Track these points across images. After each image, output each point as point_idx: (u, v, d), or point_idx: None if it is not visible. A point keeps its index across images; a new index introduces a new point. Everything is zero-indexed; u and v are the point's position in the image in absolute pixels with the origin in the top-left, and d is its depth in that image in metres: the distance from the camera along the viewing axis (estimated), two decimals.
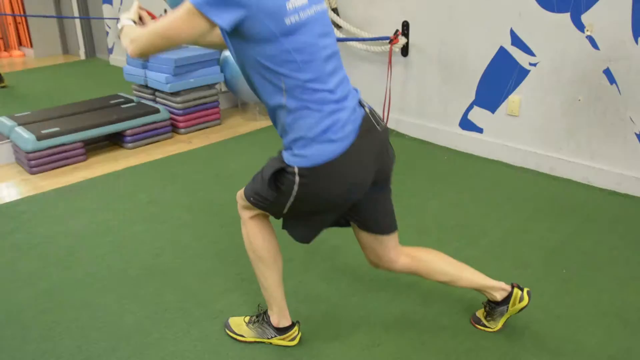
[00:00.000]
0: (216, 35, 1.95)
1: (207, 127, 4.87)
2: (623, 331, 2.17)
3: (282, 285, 2.07)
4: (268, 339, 2.12)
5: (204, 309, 2.36)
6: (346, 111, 1.71)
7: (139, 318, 2.31)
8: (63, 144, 4.04)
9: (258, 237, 1.98)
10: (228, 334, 2.18)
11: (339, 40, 4.48)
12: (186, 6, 1.56)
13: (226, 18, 1.54)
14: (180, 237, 2.96)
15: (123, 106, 4.62)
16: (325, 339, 2.17)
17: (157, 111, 4.52)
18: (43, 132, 3.96)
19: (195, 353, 2.10)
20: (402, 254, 2.08)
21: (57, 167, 4.05)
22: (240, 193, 1.98)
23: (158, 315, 2.33)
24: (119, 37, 1.85)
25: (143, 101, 4.81)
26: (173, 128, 4.72)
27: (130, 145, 4.41)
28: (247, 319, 2.18)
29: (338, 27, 4.60)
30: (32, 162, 3.92)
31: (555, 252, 2.74)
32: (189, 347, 2.13)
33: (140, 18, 1.94)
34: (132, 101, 4.78)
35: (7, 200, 3.52)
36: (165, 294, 2.48)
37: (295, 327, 2.12)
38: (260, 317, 2.14)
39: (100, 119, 4.30)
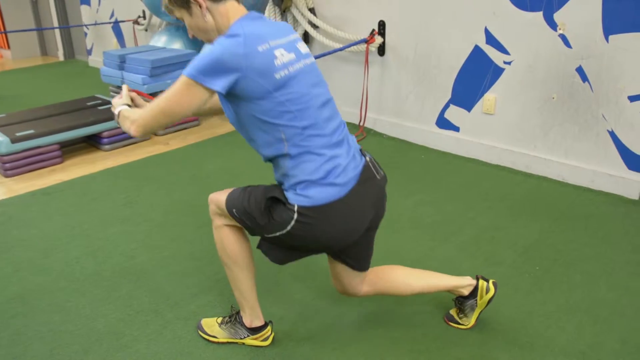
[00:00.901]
0: (215, 101, 2.03)
1: (185, 129, 4.85)
2: (593, 327, 2.19)
3: (255, 287, 2.07)
4: (241, 339, 2.12)
5: (177, 310, 2.35)
6: (346, 157, 1.77)
7: (111, 320, 2.30)
8: (38, 147, 4.00)
9: (233, 243, 1.97)
10: (200, 335, 2.17)
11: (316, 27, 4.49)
12: (182, 80, 1.66)
13: (221, 83, 1.64)
14: (155, 239, 2.95)
15: (100, 108, 4.59)
16: (298, 339, 2.17)
17: None
18: (18, 134, 3.93)
19: (168, 354, 2.09)
20: (366, 283, 2.11)
21: (33, 170, 4.01)
22: (215, 199, 1.95)
23: (131, 317, 2.31)
24: (117, 123, 1.91)
25: None
26: None
27: (107, 147, 4.38)
28: (219, 319, 2.18)
29: (315, 26, 4.60)
30: (7, 165, 3.88)
31: (529, 249, 2.76)
32: (162, 349, 2.12)
33: (132, 100, 2.01)
34: (109, 103, 4.75)
35: None
36: (139, 295, 2.47)
37: (268, 327, 2.13)
38: (233, 317, 2.14)
39: (76, 120, 4.27)
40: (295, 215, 1.73)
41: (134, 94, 2.04)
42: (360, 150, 1.89)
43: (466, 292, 2.15)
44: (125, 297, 2.46)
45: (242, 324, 2.11)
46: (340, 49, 4.27)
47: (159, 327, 2.24)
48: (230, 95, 1.69)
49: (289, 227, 1.76)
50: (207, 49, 1.65)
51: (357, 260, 2.02)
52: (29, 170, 3.99)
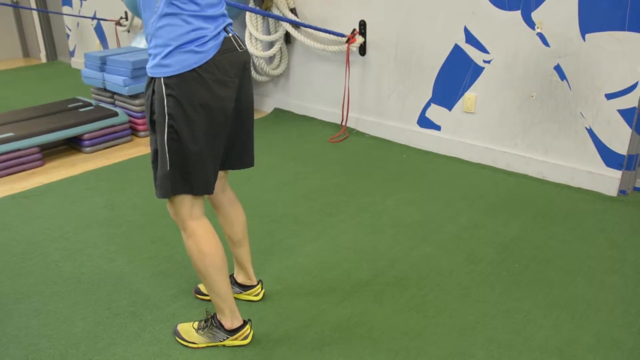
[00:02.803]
0: None
1: None
2: (570, 323, 2.21)
3: (231, 287, 2.07)
4: (220, 341, 2.12)
5: (156, 313, 2.34)
6: (212, 31, 1.81)
7: (89, 324, 2.29)
8: (18, 149, 3.97)
9: (205, 244, 1.96)
10: (179, 342, 2.16)
11: (299, 24, 4.49)
12: None
13: None
14: (134, 241, 2.94)
15: (81, 110, 4.57)
16: (277, 339, 2.17)
17: (115, 114, 4.47)
18: None
19: (146, 357, 2.08)
20: (225, 197, 2.21)
21: (13, 173, 3.98)
22: (168, 208, 2.00)
23: (109, 320, 2.30)
24: None
25: (102, 104, 4.76)
26: (132, 131, 4.68)
27: (88, 149, 4.36)
28: (195, 324, 2.17)
29: (296, 26, 4.60)
30: None
31: (508, 246, 2.78)
32: (140, 351, 2.11)
33: None
34: (90, 104, 4.73)
35: None
36: (117, 298, 2.45)
37: (247, 325, 2.13)
38: (209, 322, 2.13)
39: (57, 123, 4.25)
40: (164, 90, 1.77)
41: None
42: (226, 28, 1.89)
43: (240, 280, 2.39)
44: (104, 299, 2.45)
45: (220, 327, 2.10)
46: (322, 30, 4.27)
47: (138, 330, 2.24)
48: None
49: (166, 109, 1.79)
50: None
51: (238, 157, 2.10)
52: (8, 173, 3.96)
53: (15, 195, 3.60)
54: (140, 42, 5.34)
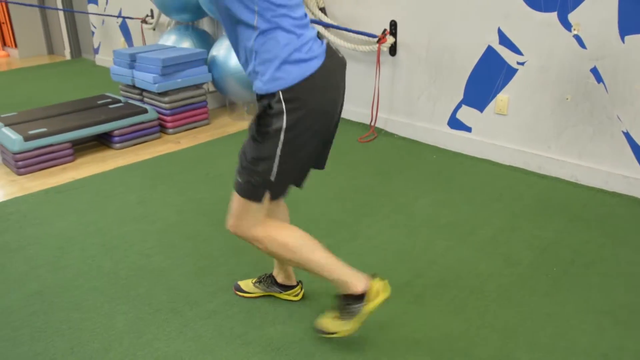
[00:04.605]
0: None
1: (195, 127, 4.86)
2: (614, 329, 2.19)
3: (333, 256, 1.99)
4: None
5: (196, 309, 2.35)
6: (312, 38, 1.81)
7: (130, 319, 2.30)
8: (51, 145, 4.00)
9: (283, 234, 1.95)
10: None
11: (328, 26, 4.49)
12: None
13: None
14: (170, 237, 2.95)
15: (111, 106, 4.59)
16: (319, 338, 2.16)
17: (145, 111, 4.49)
18: (30, 132, 3.93)
19: (189, 353, 2.09)
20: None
21: (45, 168, 4.02)
22: (230, 224, 1.96)
23: (150, 316, 2.31)
24: None
25: (130, 101, 4.78)
26: (161, 128, 4.70)
27: (118, 145, 4.38)
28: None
29: (325, 24, 4.60)
30: (20, 162, 3.88)
31: (545, 250, 2.76)
32: (183, 348, 2.12)
33: None
34: (119, 101, 4.76)
35: None
36: (156, 294, 2.46)
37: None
38: (341, 302, 2.02)
39: (88, 119, 4.27)
40: (284, 106, 1.74)
41: None
42: (318, 35, 1.89)
43: (280, 280, 2.37)
44: (143, 295, 2.46)
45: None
46: (353, 31, 4.26)
47: (179, 326, 2.24)
48: None
49: (284, 124, 1.75)
50: None
51: (326, 152, 2.09)
52: (41, 168, 3.99)
53: (48, 190, 3.63)
54: (168, 40, 5.36)
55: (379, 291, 1.98)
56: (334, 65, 1.86)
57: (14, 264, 2.75)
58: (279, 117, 1.75)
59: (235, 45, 1.82)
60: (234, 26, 1.76)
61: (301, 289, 2.41)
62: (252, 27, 1.71)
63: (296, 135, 1.79)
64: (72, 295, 2.47)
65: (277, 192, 1.97)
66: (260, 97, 1.82)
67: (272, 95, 1.75)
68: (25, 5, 7.15)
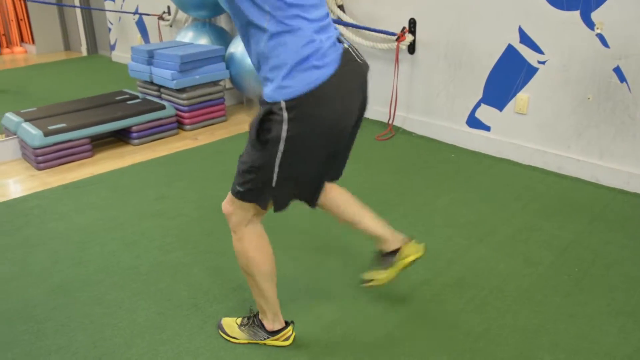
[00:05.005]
0: None
1: (212, 124, 4.87)
2: (638, 331, 2.17)
3: (276, 291, 2.06)
4: (262, 340, 2.10)
5: (217, 306, 2.35)
6: (326, 42, 1.70)
7: (152, 314, 2.31)
8: (70, 140, 4.03)
9: (255, 251, 1.94)
10: (221, 335, 2.16)
11: (346, 24, 4.48)
12: None
13: None
14: (189, 234, 2.96)
15: (129, 102, 4.61)
16: (340, 335, 2.16)
17: (162, 107, 4.51)
18: (50, 128, 3.95)
19: (211, 350, 2.10)
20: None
21: (64, 163, 4.04)
22: (225, 204, 1.95)
23: (171, 312, 2.32)
24: None
25: (148, 97, 4.80)
26: (178, 124, 4.71)
27: (136, 141, 4.40)
28: (238, 320, 2.16)
29: (344, 24, 4.59)
30: (39, 157, 3.91)
31: (565, 250, 2.74)
32: (204, 344, 2.13)
33: None
34: (137, 97, 4.77)
35: (16, 196, 3.51)
36: (177, 290, 2.47)
37: (289, 327, 2.10)
38: (251, 320, 2.12)
39: (106, 115, 4.29)
40: (285, 115, 1.66)
41: None
42: (339, 37, 1.80)
43: (392, 247, 2.20)
44: (164, 291, 2.47)
45: (262, 327, 2.10)
46: (372, 29, 4.25)
47: (200, 322, 2.25)
48: None
49: (284, 134, 1.68)
50: None
51: (340, 163, 2.07)
52: (60, 163, 4.02)
53: (67, 185, 3.65)
54: (185, 36, 5.37)
55: (286, 337, 2.10)
56: (348, 74, 1.75)
57: (37, 258, 2.77)
58: (278, 125, 1.68)
59: (248, 48, 1.75)
60: (245, 28, 1.69)
61: (413, 244, 2.25)
62: (262, 29, 1.64)
63: (297, 146, 1.72)
64: (93, 290, 2.49)
65: (279, 204, 1.89)
66: (263, 102, 1.74)
67: (276, 103, 1.68)
68: (44, 3, 7.20)
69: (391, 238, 2.20)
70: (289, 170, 1.77)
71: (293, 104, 1.66)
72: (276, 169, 1.76)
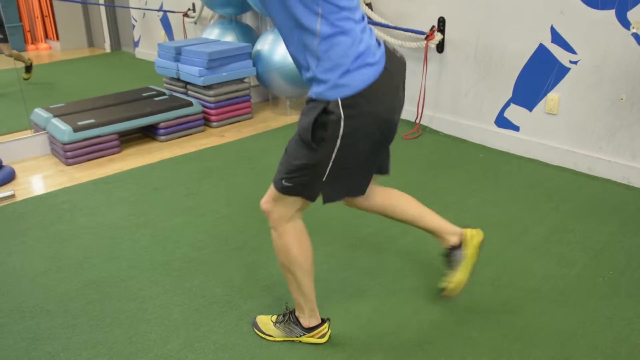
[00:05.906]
0: None
1: (238, 121, 4.88)
2: None
3: (314, 287, 2.06)
4: (297, 337, 2.10)
5: (251, 303, 2.35)
6: (372, 40, 1.76)
7: (186, 310, 2.32)
8: (98, 136, 4.05)
9: (296, 247, 1.94)
10: (256, 333, 2.16)
11: (375, 24, 4.46)
12: None
13: None
14: (220, 230, 2.96)
15: (156, 99, 4.63)
16: (376, 335, 2.15)
17: (190, 104, 4.52)
18: (79, 123, 3.98)
19: (247, 347, 2.10)
20: (376, 194, 2.17)
21: (92, 159, 4.07)
22: (264, 201, 1.94)
23: (206, 308, 2.33)
24: None
25: (175, 94, 4.82)
26: (205, 121, 4.72)
27: (163, 138, 4.42)
28: (274, 318, 2.15)
29: (372, 23, 4.57)
30: (68, 153, 3.94)
31: (600, 252, 2.70)
32: (240, 341, 2.13)
33: None
34: (164, 94, 4.79)
35: (45, 191, 3.54)
36: (211, 287, 2.48)
37: (325, 324, 2.10)
38: (287, 317, 2.12)
39: (134, 111, 4.32)
40: (342, 113, 1.68)
41: None
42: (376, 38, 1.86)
43: (457, 240, 2.19)
44: (198, 287, 2.47)
45: (298, 323, 2.09)
46: (402, 29, 4.22)
47: (235, 319, 2.25)
48: None
49: (341, 132, 1.70)
50: None
51: (387, 159, 2.09)
52: (88, 159, 4.05)
53: (96, 181, 3.68)
54: (211, 34, 5.39)
55: (322, 334, 2.10)
56: (395, 69, 1.81)
57: (69, 252, 2.79)
58: (336, 124, 1.69)
59: (292, 49, 1.74)
60: (293, 31, 1.69)
61: (471, 233, 2.26)
62: (314, 31, 1.65)
63: (353, 142, 1.74)
64: (127, 286, 2.50)
65: (330, 196, 1.91)
66: (314, 101, 1.74)
67: (332, 102, 1.69)
68: (70, 1, 7.25)
69: (452, 230, 2.23)
70: (343, 165, 1.80)
71: (350, 102, 1.68)
72: (330, 165, 1.78)
